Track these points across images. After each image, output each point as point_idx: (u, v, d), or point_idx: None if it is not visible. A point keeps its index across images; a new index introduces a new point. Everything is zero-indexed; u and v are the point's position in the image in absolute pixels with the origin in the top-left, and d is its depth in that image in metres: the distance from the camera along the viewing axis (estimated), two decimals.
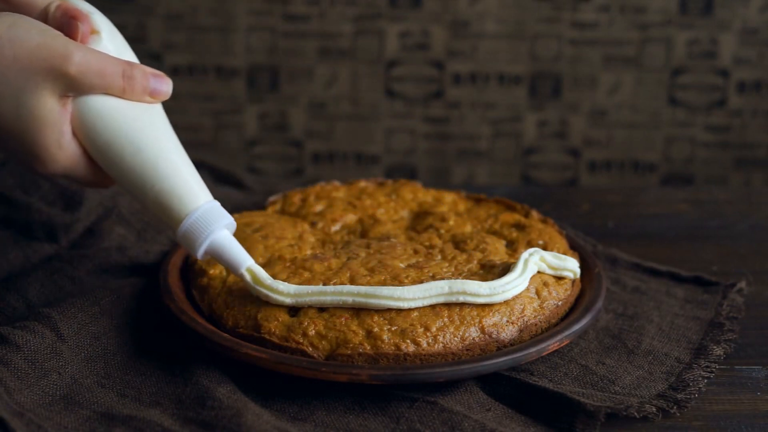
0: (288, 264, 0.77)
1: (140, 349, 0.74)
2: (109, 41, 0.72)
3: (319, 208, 0.89)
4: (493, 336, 0.71)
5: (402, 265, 0.76)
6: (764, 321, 0.81)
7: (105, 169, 0.72)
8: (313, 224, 0.86)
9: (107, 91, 0.70)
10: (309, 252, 0.80)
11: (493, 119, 1.47)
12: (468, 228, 0.85)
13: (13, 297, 0.79)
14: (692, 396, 0.70)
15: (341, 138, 1.48)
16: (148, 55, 1.41)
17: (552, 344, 0.71)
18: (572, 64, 1.44)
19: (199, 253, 0.72)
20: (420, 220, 0.87)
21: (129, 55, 0.74)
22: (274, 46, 1.43)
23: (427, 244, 0.81)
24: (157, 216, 0.73)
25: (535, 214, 0.87)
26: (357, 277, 0.74)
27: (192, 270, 0.81)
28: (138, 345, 0.74)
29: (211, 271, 0.78)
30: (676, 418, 0.68)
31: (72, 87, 0.68)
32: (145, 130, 0.72)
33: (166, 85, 0.72)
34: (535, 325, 0.73)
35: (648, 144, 1.47)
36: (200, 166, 1.05)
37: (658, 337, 0.77)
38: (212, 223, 0.72)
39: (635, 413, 0.67)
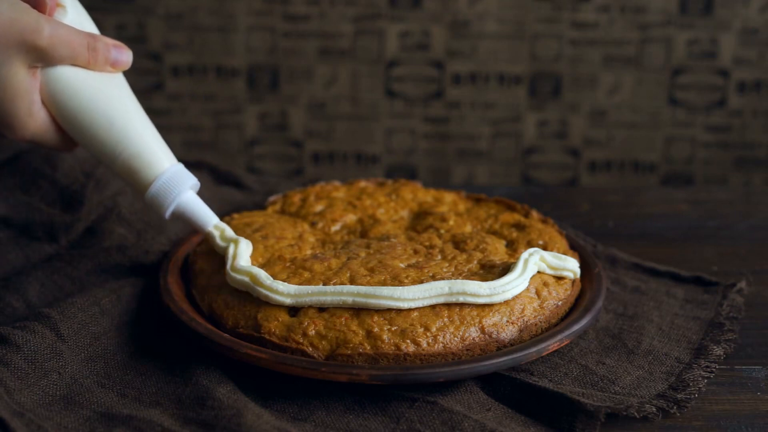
0: (288, 264, 0.77)
1: (140, 349, 0.74)
2: (74, 14, 0.77)
3: (319, 208, 0.89)
4: (493, 336, 0.71)
5: (402, 265, 0.76)
6: (764, 321, 0.81)
7: (73, 136, 0.77)
8: (313, 224, 0.86)
9: (74, 62, 0.75)
10: (309, 252, 0.80)
11: (493, 119, 1.47)
12: (468, 228, 0.85)
13: (13, 297, 0.79)
14: (692, 396, 0.70)
15: (341, 138, 1.48)
16: (148, 55, 1.41)
17: (552, 344, 0.71)
18: (572, 64, 1.44)
19: (167, 214, 0.78)
20: (420, 220, 0.87)
21: (91, 27, 0.78)
22: (274, 46, 1.43)
23: (427, 244, 0.81)
24: (125, 180, 0.78)
25: (535, 214, 0.87)
26: (357, 277, 0.74)
27: (192, 270, 0.81)
28: (138, 345, 0.74)
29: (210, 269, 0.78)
30: (676, 418, 0.68)
31: (41, 58, 0.73)
32: (110, 99, 0.77)
33: (125, 55, 0.77)
34: (535, 325, 0.73)
35: (648, 144, 1.47)
36: (200, 166, 1.05)
37: (658, 337, 0.77)
38: (178, 185, 0.77)
39: (635, 413, 0.67)
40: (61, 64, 0.75)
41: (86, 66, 0.76)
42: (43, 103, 0.75)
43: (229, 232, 0.80)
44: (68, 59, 0.74)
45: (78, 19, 0.77)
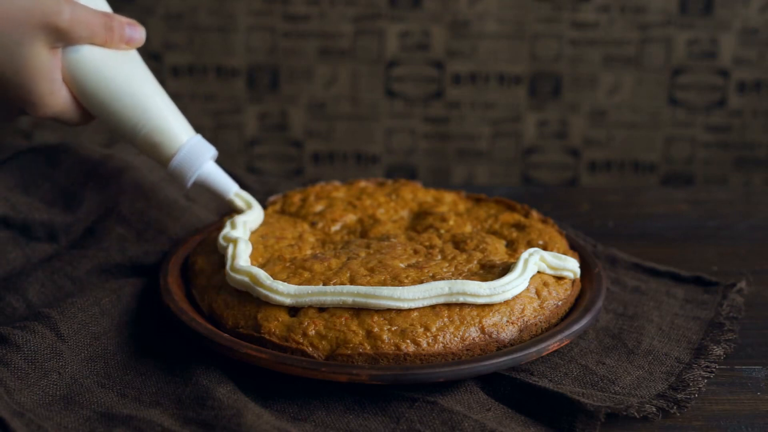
0: (288, 264, 0.77)
1: (140, 349, 0.74)
2: None
3: (319, 208, 0.89)
4: (493, 336, 0.71)
5: (402, 265, 0.76)
6: (764, 321, 0.81)
7: (93, 113, 0.81)
8: (313, 224, 0.86)
9: (92, 41, 0.78)
10: (309, 252, 0.80)
11: (493, 119, 1.47)
12: (468, 228, 0.85)
13: (13, 297, 0.79)
14: (692, 396, 0.70)
15: (341, 138, 1.48)
16: (149, 55, 1.41)
17: (552, 344, 0.71)
18: (572, 64, 1.44)
19: (189, 184, 0.83)
20: (420, 220, 0.87)
21: (105, 6, 0.82)
22: (274, 46, 1.43)
23: (427, 244, 0.81)
24: (147, 154, 0.82)
25: (535, 214, 0.87)
26: (357, 277, 0.74)
27: (192, 270, 0.81)
28: (138, 345, 0.74)
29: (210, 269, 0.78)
30: (676, 418, 0.68)
31: (62, 39, 0.76)
32: (128, 75, 0.80)
33: (139, 33, 0.81)
34: (535, 325, 0.73)
35: (648, 144, 1.47)
36: None
37: (658, 337, 0.77)
38: (199, 157, 0.82)
39: (635, 413, 0.67)
40: (81, 43, 0.78)
41: (103, 44, 0.79)
42: (64, 81, 0.78)
43: (249, 197, 0.85)
44: (87, 39, 0.78)
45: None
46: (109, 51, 0.80)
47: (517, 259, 0.75)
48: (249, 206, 0.85)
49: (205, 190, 0.99)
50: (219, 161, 1.36)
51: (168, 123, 0.82)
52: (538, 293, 0.74)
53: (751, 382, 0.73)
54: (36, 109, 0.78)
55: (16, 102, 0.78)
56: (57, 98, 0.78)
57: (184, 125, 0.83)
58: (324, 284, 0.74)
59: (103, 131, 1.48)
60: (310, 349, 0.69)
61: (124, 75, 0.80)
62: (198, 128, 1.48)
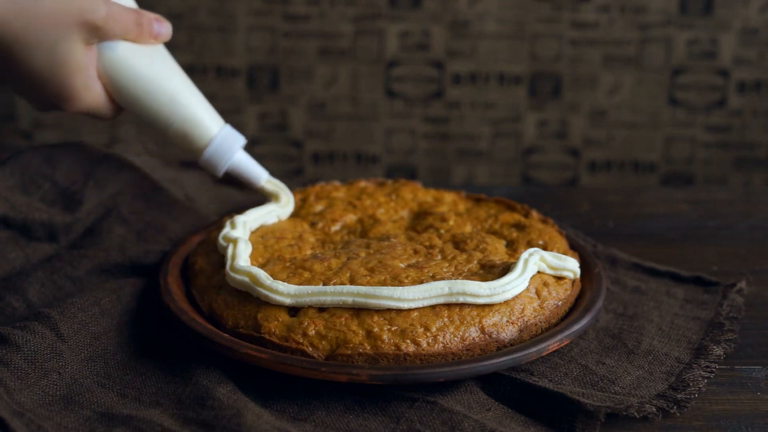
0: (288, 264, 0.77)
1: (140, 349, 0.74)
2: None
3: (319, 208, 0.89)
4: (493, 336, 0.71)
5: (402, 265, 0.76)
6: (764, 321, 0.81)
7: (126, 107, 0.84)
8: (313, 224, 0.86)
9: (124, 37, 0.81)
10: (309, 252, 0.80)
11: (493, 119, 1.47)
12: (468, 228, 0.85)
13: (13, 297, 0.79)
14: (692, 396, 0.70)
15: (341, 138, 1.48)
16: None
17: (552, 344, 0.71)
18: (572, 64, 1.44)
19: (220, 174, 0.86)
20: (420, 220, 0.87)
21: (132, 3, 0.85)
22: (274, 46, 1.43)
23: (427, 244, 0.81)
24: (179, 145, 0.85)
25: (535, 214, 0.87)
26: (357, 277, 0.74)
27: (192, 270, 0.81)
28: (138, 345, 0.74)
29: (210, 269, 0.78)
30: (676, 418, 0.68)
31: (97, 35, 0.79)
32: (159, 69, 0.83)
33: (166, 28, 0.84)
34: (535, 325, 0.73)
35: (648, 144, 1.47)
36: None
37: (658, 337, 0.77)
38: (231, 147, 0.85)
39: (635, 413, 0.67)
40: (114, 39, 0.81)
41: (134, 40, 0.82)
42: (98, 76, 0.81)
43: (279, 183, 0.87)
44: (120, 34, 0.81)
45: None
46: (139, 46, 0.83)
47: (517, 259, 0.75)
48: (278, 195, 0.87)
49: (206, 190, 0.99)
50: None
51: (199, 115, 0.85)
52: (538, 293, 0.74)
53: (751, 382, 0.73)
54: (71, 103, 0.81)
55: (53, 97, 0.81)
56: (91, 93, 0.81)
57: (214, 116, 0.86)
58: (324, 284, 0.74)
59: (103, 131, 1.48)
60: (310, 349, 0.69)
61: (155, 69, 0.83)
62: None
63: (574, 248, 0.84)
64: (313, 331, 0.70)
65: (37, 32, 0.77)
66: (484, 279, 0.74)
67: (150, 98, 0.83)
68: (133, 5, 0.85)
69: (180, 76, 0.85)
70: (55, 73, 0.79)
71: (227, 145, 0.85)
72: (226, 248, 0.79)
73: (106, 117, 0.84)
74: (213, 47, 1.43)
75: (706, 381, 0.72)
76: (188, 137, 0.84)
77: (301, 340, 0.69)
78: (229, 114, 1.46)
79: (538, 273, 0.76)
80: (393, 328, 0.70)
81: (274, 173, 1.31)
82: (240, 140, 0.86)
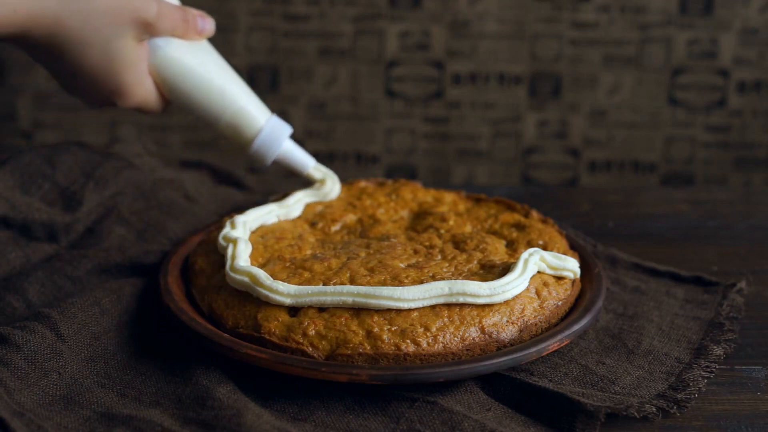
0: (288, 264, 0.77)
1: (140, 349, 0.74)
2: None
3: (319, 208, 0.89)
4: (493, 336, 0.71)
5: (402, 265, 0.76)
6: (764, 321, 0.81)
7: (176, 102, 0.86)
8: (313, 224, 0.86)
9: (173, 34, 0.84)
10: (309, 252, 0.80)
11: (493, 119, 1.47)
12: (468, 228, 0.85)
13: (13, 297, 0.79)
14: (692, 396, 0.70)
15: (341, 138, 1.48)
16: None
17: (552, 344, 0.71)
18: (572, 64, 1.44)
19: (269, 163, 0.89)
20: (420, 220, 0.87)
21: (176, 0, 0.87)
22: (274, 46, 1.43)
23: (427, 244, 0.81)
24: (228, 138, 0.88)
25: (535, 214, 0.87)
26: (357, 277, 0.74)
27: (192, 270, 0.81)
28: (138, 345, 0.74)
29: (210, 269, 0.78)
30: (676, 418, 0.68)
31: (148, 32, 0.82)
32: (206, 63, 0.86)
33: (210, 24, 0.87)
34: (535, 325, 0.73)
35: (648, 144, 1.47)
36: (200, 166, 1.05)
37: (658, 337, 0.77)
38: (279, 137, 0.88)
39: (635, 413, 0.67)
40: (164, 35, 0.84)
41: (182, 36, 0.85)
42: (148, 72, 0.84)
43: (326, 170, 0.90)
44: (169, 31, 0.83)
45: None
46: (186, 42, 0.85)
47: (517, 259, 0.75)
48: (323, 181, 0.90)
49: (206, 190, 0.99)
50: (219, 161, 1.36)
51: (247, 106, 0.87)
52: (538, 293, 0.74)
53: (751, 382, 0.73)
54: (124, 99, 0.83)
55: (106, 93, 0.83)
56: (143, 88, 0.84)
57: (261, 107, 0.88)
58: (324, 284, 0.74)
59: (103, 131, 1.48)
60: (310, 349, 0.69)
61: (203, 63, 0.86)
62: (198, 128, 1.48)
63: (574, 248, 0.84)
64: (313, 331, 0.70)
65: (92, 30, 0.79)
66: (484, 279, 0.74)
67: (200, 92, 0.85)
68: (177, 2, 0.87)
69: (227, 70, 0.88)
70: (108, 69, 0.81)
71: (275, 134, 0.87)
72: (226, 248, 0.79)
73: (155, 111, 0.87)
74: (213, 47, 1.43)
75: (706, 381, 0.72)
76: (238, 129, 0.87)
77: (301, 340, 0.69)
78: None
79: (538, 273, 0.76)
80: (393, 328, 0.70)
81: (274, 173, 1.30)
82: (287, 129, 0.88)
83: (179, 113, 1.44)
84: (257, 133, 0.87)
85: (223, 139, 0.89)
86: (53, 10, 0.77)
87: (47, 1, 0.77)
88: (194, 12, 0.86)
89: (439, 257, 0.78)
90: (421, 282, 0.73)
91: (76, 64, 0.81)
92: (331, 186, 0.90)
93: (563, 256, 0.77)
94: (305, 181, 0.92)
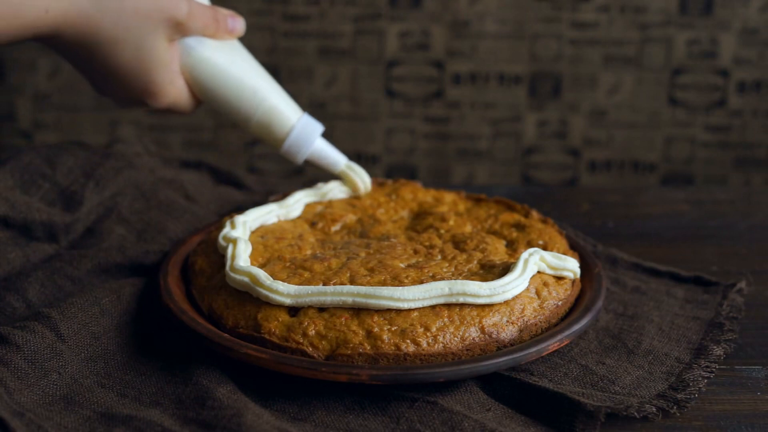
0: (288, 264, 0.77)
1: (140, 349, 0.74)
2: None
3: (319, 208, 0.89)
4: (493, 336, 0.71)
5: (402, 265, 0.76)
6: (764, 321, 0.81)
7: (207, 101, 0.86)
8: (313, 224, 0.86)
9: (203, 33, 0.84)
10: (309, 252, 0.80)
11: (493, 119, 1.47)
12: (468, 228, 0.85)
13: (13, 297, 0.79)
14: (692, 396, 0.70)
15: (341, 138, 1.48)
16: None
17: (552, 344, 0.71)
18: (572, 64, 1.44)
19: (300, 162, 0.89)
20: (420, 220, 0.87)
21: (206, 0, 0.87)
22: (274, 46, 1.43)
23: (427, 244, 0.81)
24: (259, 137, 0.88)
25: (535, 214, 0.87)
26: (357, 277, 0.74)
27: (192, 270, 0.81)
28: (138, 345, 0.74)
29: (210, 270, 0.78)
30: (676, 418, 0.68)
31: (180, 32, 0.82)
32: (237, 63, 0.86)
33: (240, 23, 0.87)
34: (535, 325, 0.73)
35: (648, 144, 1.47)
36: (200, 166, 1.05)
37: (658, 337, 0.77)
38: (310, 135, 0.88)
39: (635, 413, 0.67)
40: (195, 35, 0.84)
41: (212, 35, 0.85)
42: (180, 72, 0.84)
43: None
44: (200, 30, 0.84)
45: None
46: (217, 41, 0.86)
47: (517, 259, 0.75)
48: (354, 180, 0.90)
49: (206, 190, 0.99)
50: (219, 161, 1.36)
51: (279, 105, 0.87)
52: (538, 293, 0.74)
53: (751, 382, 0.73)
54: (156, 99, 0.84)
55: (138, 93, 0.83)
56: (175, 88, 0.84)
57: (293, 106, 0.88)
58: (324, 284, 0.74)
59: (103, 131, 1.48)
60: (310, 349, 0.69)
61: (234, 63, 0.86)
62: (198, 128, 1.48)
63: (574, 248, 0.84)
64: (313, 331, 0.70)
65: (124, 29, 0.79)
66: (484, 279, 0.74)
67: (232, 92, 0.86)
68: (206, 2, 0.87)
69: (258, 69, 0.88)
70: (140, 69, 0.81)
71: (307, 133, 0.88)
72: (226, 248, 0.79)
73: (186, 112, 0.87)
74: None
75: (706, 381, 0.72)
76: (270, 128, 0.87)
77: (301, 340, 0.69)
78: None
79: (538, 273, 0.76)
80: (393, 328, 0.70)
81: (274, 173, 1.29)
82: (318, 128, 0.89)
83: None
84: (289, 132, 0.87)
85: (253, 138, 0.89)
86: (85, 10, 0.77)
87: (79, 1, 0.77)
88: (224, 11, 0.86)
89: (439, 257, 0.78)
90: (421, 282, 0.73)
91: (108, 64, 0.81)
92: (361, 183, 0.90)
93: (563, 256, 0.77)
94: (334, 177, 0.92)
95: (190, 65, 0.85)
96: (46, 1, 0.75)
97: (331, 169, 0.91)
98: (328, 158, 0.90)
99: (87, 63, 0.82)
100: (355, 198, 0.91)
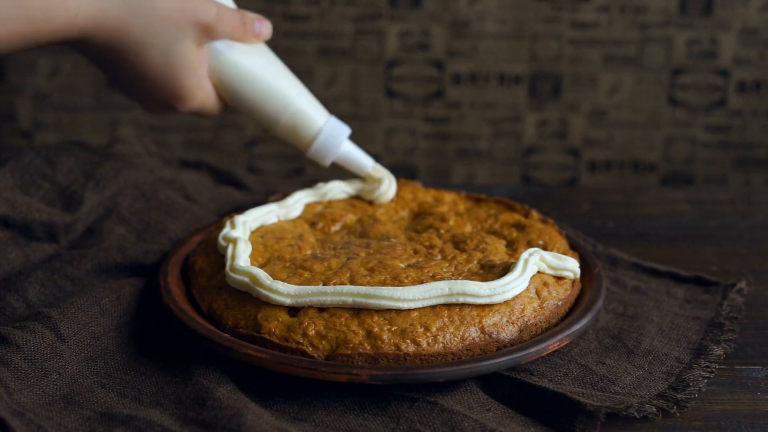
0: (288, 264, 0.77)
1: (140, 349, 0.74)
2: None
3: (319, 208, 0.89)
4: (493, 336, 0.71)
5: (402, 265, 0.76)
6: (764, 321, 0.81)
7: (234, 104, 0.87)
8: (313, 224, 0.86)
9: (231, 37, 0.84)
10: (309, 252, 0.80)
11: (493, 119, 1.47)
12: (468, 228, 0.85)
13: (13, 297, 0.79)
14: (692, 396, 0.70)
15: None
16: None
17: (552, 344, 0.71)
18: (572, 64, 1.44)
19: (327, 165, 0.89)
20: (420, 220, 0.87)
21: (232, 3, 0.88)
22: (274, 46, 1.43)
23: (427, 244, 0.81)
24: (286, 141, 0.88)
25: (535, 214, 0.87)
26: (357, 277, 0.74)
27: (192, 270, 0.81)
28: (138, 345, 0.74)
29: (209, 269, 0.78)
30: (676, 418, 0.68)
31: (208, 35, 0.82)
32: (265, 66, 0.86)
33: (267, 27, 0.87)
34: (535, 325, 0.73)
35: (648, 144, 1.47)
36: (200, 166, 1.05)
37: (658, 337, 0.77)
38: (338, 138, 0.88)
39: (635, 413, 0.67)
40: (222, 38, 0.84)
41: (240, 39, 0.85)
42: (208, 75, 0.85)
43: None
44: (228, 34, 0.84)
45: None
46: (244, 45, 0.86)
47: (517, 259, 0.75)
48: (381, 180, 0.90)
49: (206, 190, 0.99)
50: (219, 161, 1.36)
51: (306, 108, 0.88)
52: (538, 293, 0.74)
53: (751, 382, 0.73)
54: (185, 103, 0.84)
55: (167, 97, 0.84)
56: (203, 92, 0.84)
57: (320, 109, 0.89)
58: (324, 284, 0.74)
59: (103, 131, 1.48)
60: (310, 349, 0.69)
61: (262, 66, 0.86)
62: (198, 128, 1.48)
63: (574, 248, 0.84)
64: (313, 331, 0.70)
65: (154, 33, 0.79)
66: (484, 279, 0.74)
67: (259, 95, 0.86)
68: (233, 4, 0.87)
69: (285, 72, 0.88)
70: (170, 73, 0.81)
71: (334, 136, 0.88)
72: (226, 248, 0.79)
73: (214, 115, 0.88)
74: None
75: (706, 381, 0.72)
76: (297, 131, 0.87)
77: (301, 340, 0.69)
78: (230, 114, 1.46)
79: (538, 273, 0.76)
80: (393, 328, 0.70)
81: (274, 173, 1.29)
82: (345, 131, 0.89)
83: (179, 113, 1.44)
84: (316, 135, 0.87)
85: (280, 141, 0.89)
86: (115, 14, 0.77)
87: (109, 5, 0.77)
88: (251, 15, 0.86)
89: (439, 257, 0.78)
90: (421, 282, 0.73)
91: (138, 68, 0.81)
92: (388, 186, 0.90)
93: (563, 256, 0.77)
94: (358, 177, 0.92)
95: (218, 69, 0.85)
96: (76, 5, 0.76)
97: (358, 172, 0.90)
98: (355, 161, 0.90)
99: (116, 67, 0.82)
100: (355, 198, 0.91)
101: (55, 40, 0.77)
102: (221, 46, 0.85)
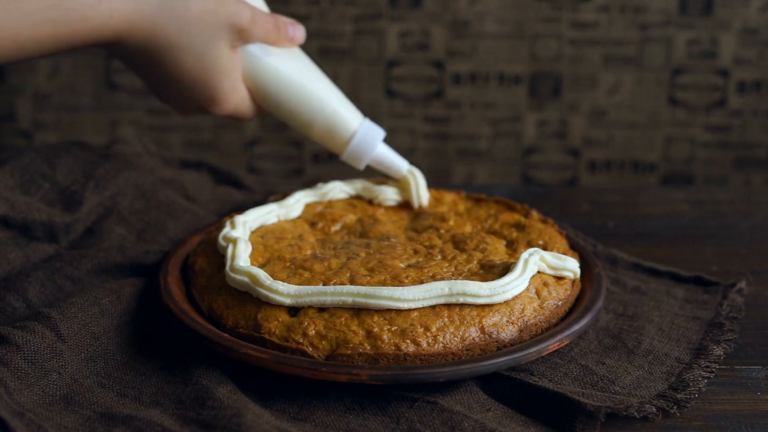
0: (288, 264, 0.77)
1: (140, 349, 0.74)
2: None
3: (319, 208, 0.89)
4: (493, 336, 0.71)
5: (402, 265, 0.76)
6: (764, 321, 0.81)
7: (268, 108, 0.87)
8: (313, 224, 0.86)
9: (265, 40, 0.84)
10: (309, 252, 0.80)
11: (493, 119, 1.47)
12: (468, 228, 0.85)
13: (13, 297, 0.79)
14: (692, 396, 0.70)
15: None
16: None
17: (552, 344, 0.71)
18: (572, 64, 1.44)
19: (362, 167, 0.89)
20: (420, 220, 0.87)
21: (265, 8, 0.88)
22: None
23: (427, 244, 0.81)
24: (321, 143, 0.88)
25: (535, 214, 0.87)
26: (357, 277, 0.74)
27: (192, 270, 0.81)
28: (138, 345, 0.74)
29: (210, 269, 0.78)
30: (676, 418, 0.68)
31: (242, 38, 0.82)
32: (299, 70, 0.86)
33: (300, 31, 0.87)
34: (535, 325, 0.73)
35: (648, 144, 1.47)
36: (200, 166, 1.05)
37: (658, 337, 0.77)
38: (372, 140, 0.87)
39: (635, 413, 0.67)
40: (256, 42, 0.84)
41: (273, 43, 0.85)
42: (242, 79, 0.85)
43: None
44: (262, 37, 0.83)
45: (259, 2, 0.87)
46: (278, 49, 0.86)
47: (517, 259, 0.75)
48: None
49: (206, 190, 0.99)
50: (219, 161, 1.37)
51: (341, 111, 0.87)
52: (538, 293, 0.74)
53: (751, 382, 0.73)
54: (219, 106, 0.84)
55: (201, 100, 0.83)
56: (237, 94, 0.84)
57: (354, 111, 0.88)
58: (324, 284, 0.74)
59: (103, 131, 1.48)
60: (310, 349, 0.69)
61: (295, 69, 0.86)
62: (198, 128, 1.48)
63: (574, 248, 0.84)
64: (313, 331, 0.70)
65: (189, 36, 0.79)
66: (484, 279, 0.74)
67: (294, 99, 0.86)
68: (266, 8, 0.87)
69: (319, 76, 0.88)
70: (205, 76, 0.81)
71: (369, 138, 0.87)
72: (226, 248, 0.79)
73: (247, 118, 0.87)
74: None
75: (706, 381, 0.72)
76: (331, 134, 0.87)
77: (301, 340, 0.69)
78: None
79: (538, 273, 0.76)
80: (393, 328, 0.70)
81: (274, 173, 1.29)
82: (380, 134, 0.88)
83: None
84: (350, 138, 0.87)
85: (315, 143, 0.88)
86: (150, 15, 0.77)
87: (143, 7, 0.77)
88: (285, 20, 0.86)
89: (439, 257, 0.78)
90: (421, 282, 0.73)
91: (172, 70, 0.80)
92: (422, 189, 0.89)
93: (563, 256, 0.77)
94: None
95: (253, 72, 0.85)
96: (110, 6, 0.75)
97: (393, 174, 0.90)
98: (390, 164, 0.89)
99: (149, 70, 0.82)
100: (355, 198, 0.91)
101: (90, 41, 0.77)
102: (255, 49, 0.85)
